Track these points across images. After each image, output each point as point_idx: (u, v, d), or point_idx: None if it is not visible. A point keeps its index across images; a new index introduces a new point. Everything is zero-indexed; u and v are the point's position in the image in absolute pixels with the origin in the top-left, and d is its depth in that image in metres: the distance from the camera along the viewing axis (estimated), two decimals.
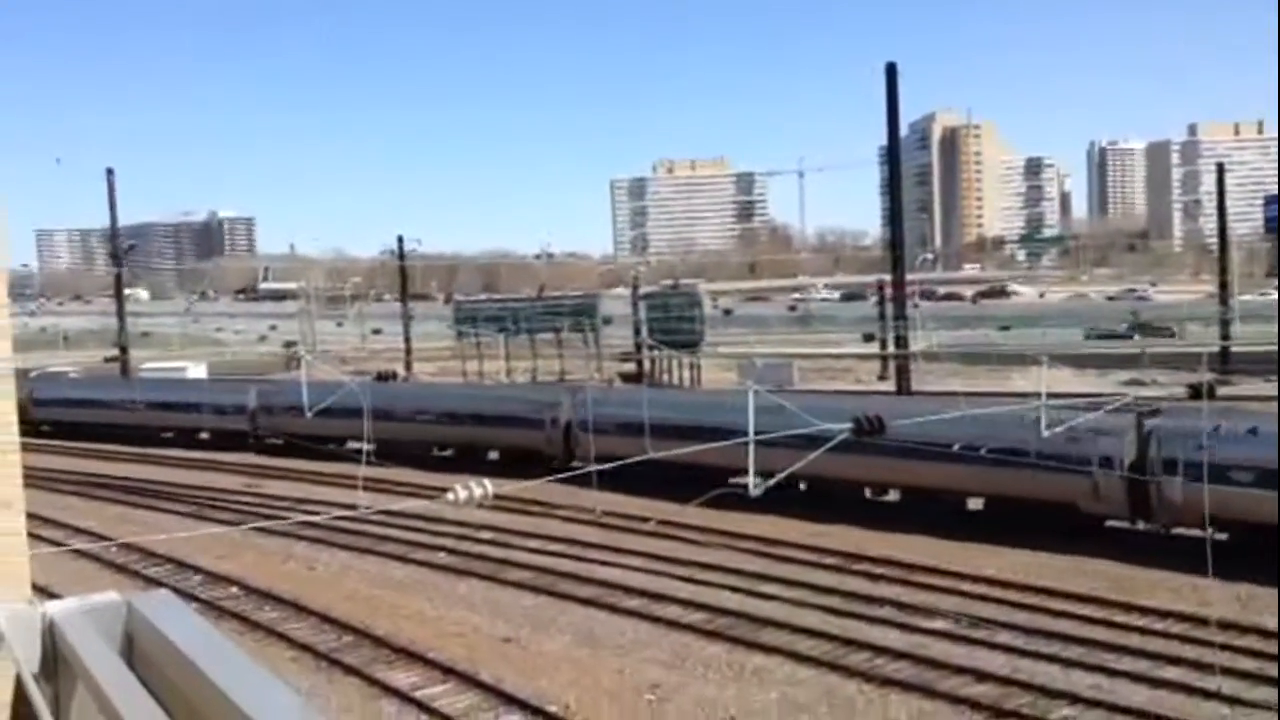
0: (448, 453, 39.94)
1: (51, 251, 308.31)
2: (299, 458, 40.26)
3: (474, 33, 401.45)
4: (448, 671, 19.02)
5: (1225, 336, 58.44)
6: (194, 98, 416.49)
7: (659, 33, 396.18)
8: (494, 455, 38.35)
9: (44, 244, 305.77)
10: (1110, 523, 26.22)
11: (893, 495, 29.86)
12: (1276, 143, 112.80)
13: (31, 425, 52.63)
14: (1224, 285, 62.03)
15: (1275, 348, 44.01)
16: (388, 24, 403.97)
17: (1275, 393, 36.90)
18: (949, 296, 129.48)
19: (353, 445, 40.04)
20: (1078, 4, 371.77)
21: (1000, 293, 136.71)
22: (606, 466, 14.71)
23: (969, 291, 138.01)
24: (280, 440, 43.01)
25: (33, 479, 1.79)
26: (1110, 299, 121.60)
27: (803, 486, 28.02)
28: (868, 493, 30.01)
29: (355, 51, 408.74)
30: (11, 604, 1.37)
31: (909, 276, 54.52)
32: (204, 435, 48.57)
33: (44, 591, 1.61)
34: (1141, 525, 25.65)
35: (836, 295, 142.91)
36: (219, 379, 62.36)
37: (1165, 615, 20.32)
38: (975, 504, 28.49)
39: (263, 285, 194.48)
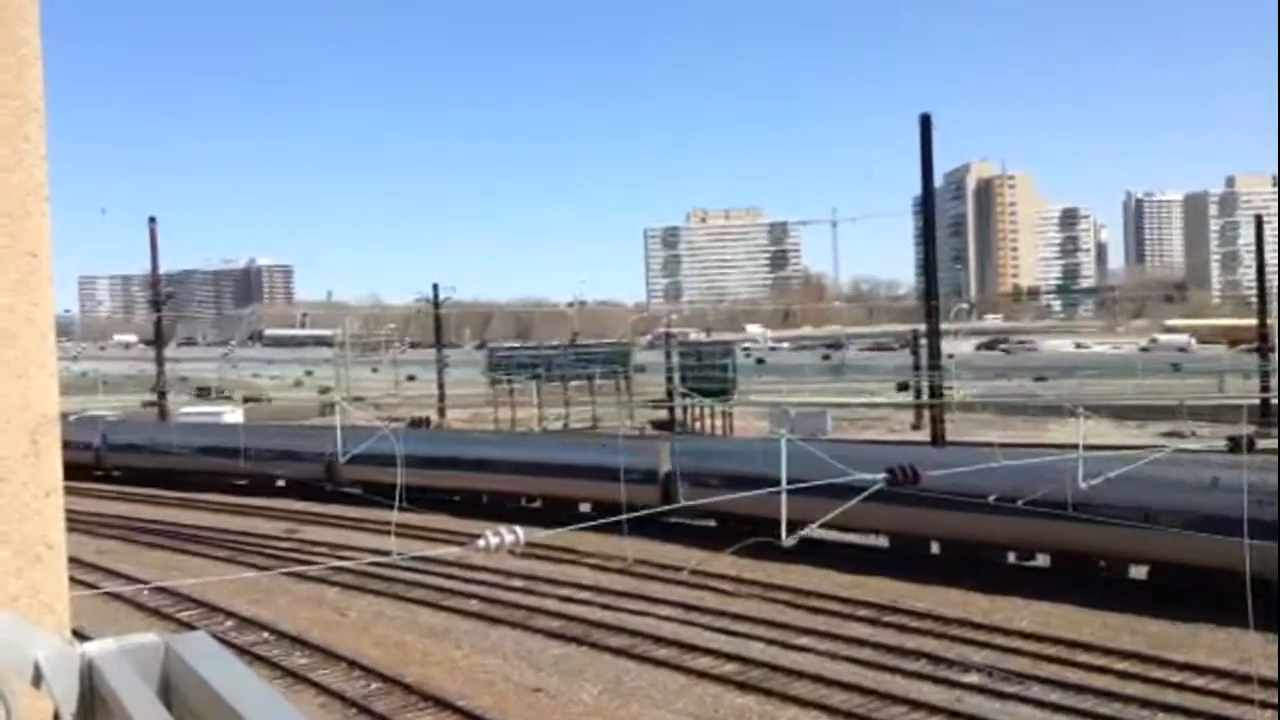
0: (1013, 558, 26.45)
1: (93, 297, 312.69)
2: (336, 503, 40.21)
3: (510, 83, 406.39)
4: None
5: (1265, 388, 57.93)
6: (236, 149, 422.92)
7: (693, 82, 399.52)
8: (1041, 560, 27.72)
9: (85, 290, 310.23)
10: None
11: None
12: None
13: (338, 486, 40.89)
14: (1263, 337, 61.62)
15: None
16: (424, 76, 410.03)
17: None
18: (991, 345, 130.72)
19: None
20: (1113, 55, 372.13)
21: (1003, 343, 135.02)
22: None
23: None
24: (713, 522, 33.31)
25: (72, 523, 1.83)
26: (979, 348, 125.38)
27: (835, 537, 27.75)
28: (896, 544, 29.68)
29: (393, 103, 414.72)
30: (51, 643, 1.41)
31: (943, 326, 54.30)
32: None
33: (79, 634, 1.65)
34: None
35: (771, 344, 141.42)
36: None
37: (1203, 671, 19.98)
38: (1012, 556, 28.18)
39: (268, 332, 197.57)
